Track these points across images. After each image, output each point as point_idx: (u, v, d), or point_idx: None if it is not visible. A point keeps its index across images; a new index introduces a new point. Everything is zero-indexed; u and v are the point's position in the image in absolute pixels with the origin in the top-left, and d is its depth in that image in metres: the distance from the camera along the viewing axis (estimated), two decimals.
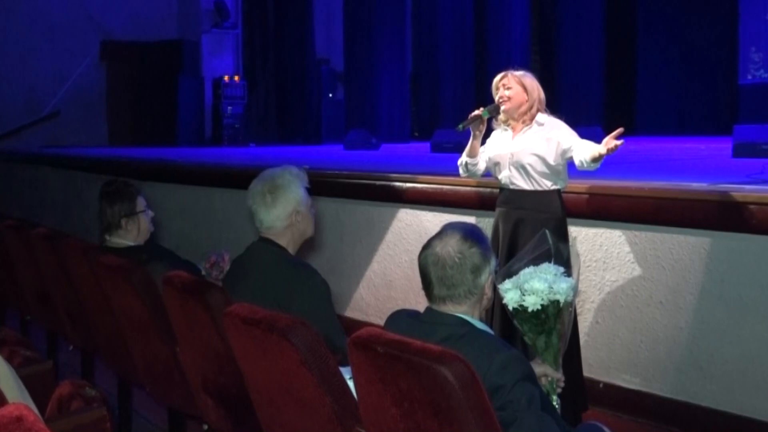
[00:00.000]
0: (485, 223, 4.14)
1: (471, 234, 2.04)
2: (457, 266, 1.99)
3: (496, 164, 3.49)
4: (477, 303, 2.04)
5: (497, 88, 3.47)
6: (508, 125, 3.49)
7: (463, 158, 3.57)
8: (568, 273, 3.18)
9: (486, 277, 2.02)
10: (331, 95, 13.17)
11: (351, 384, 1.98)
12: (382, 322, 2.22)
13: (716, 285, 3.33)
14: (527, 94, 3.42)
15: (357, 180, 5.03)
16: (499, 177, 3.48)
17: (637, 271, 3.57)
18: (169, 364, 2.74)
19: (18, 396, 1.74)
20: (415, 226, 4.57)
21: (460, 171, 3.63)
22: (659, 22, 11.38)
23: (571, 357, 3.34)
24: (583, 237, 3.77)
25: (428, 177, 4.59)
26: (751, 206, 3.19)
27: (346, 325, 3.22)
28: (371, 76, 11.55)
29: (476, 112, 3.46)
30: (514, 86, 3.42)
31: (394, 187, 4.71)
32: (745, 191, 3.32)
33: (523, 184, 3.40)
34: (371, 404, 1.85)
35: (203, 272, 3.42)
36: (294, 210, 2.73)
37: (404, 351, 1.73)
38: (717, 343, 3.34)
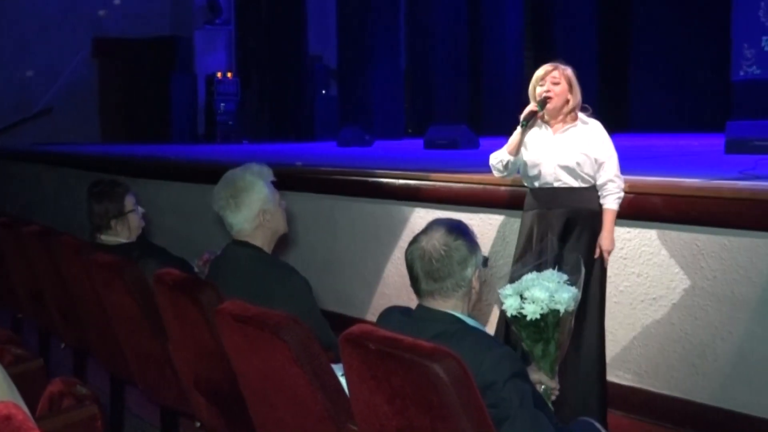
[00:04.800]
0: (478, 219, 4.14)
1: (456, 228, 2.05)
2: (443, 259, 1.99)
3: (537, 163, 3.35)
4: (465, 297, 2.04)
5: (542, 81, 3.34)
6: (544, 121, 3.39)
7: (503, 156, 3.40)
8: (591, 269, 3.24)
9: (473, 270, 2.03)
10: (324, 92, 13.15)
11: (343, 381, 1.98)
12: (375, 319, 2.22)
13: (709, 281, 3.33)
14: (572, 93, 3.34)
15: (350, 177, 5.02)
16: (542, 175, 3.35)
17: (630, 267, 3.58)
18: (161, 362, 2.73)
19: (7, 394, 1.72)
20: (408, 223, 4.56)
21: (495, 172, 3.47)
22: (652, 18, 11.38)
23: (597, 358, 3.34)
24: None
25: (421, 174, 4.58)
26: (744, 202, 3.20)
27: (339, 322, 3.21)
28: (365, 73, 11.53)
29: (532, 107, 3.31)
30: (562, 82, 3.32)
31: (387, 184, 4.70)
32: (738, 187, 3.33)
33: (571, 181, 3.32)
34: (363, 401, 1.85)
35: (196, 270, 3.41)
36: (260, 210, 2.68)
37: (396, 348, 1.73)
38: (709, 340, 3.35)
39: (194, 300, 2.37)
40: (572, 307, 2.32)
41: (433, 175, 4.49)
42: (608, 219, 3.33)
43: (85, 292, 3.17)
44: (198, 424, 2.79)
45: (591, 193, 3.35)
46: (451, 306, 2.02)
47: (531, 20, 12.86)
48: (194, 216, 6.22)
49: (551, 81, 3.31)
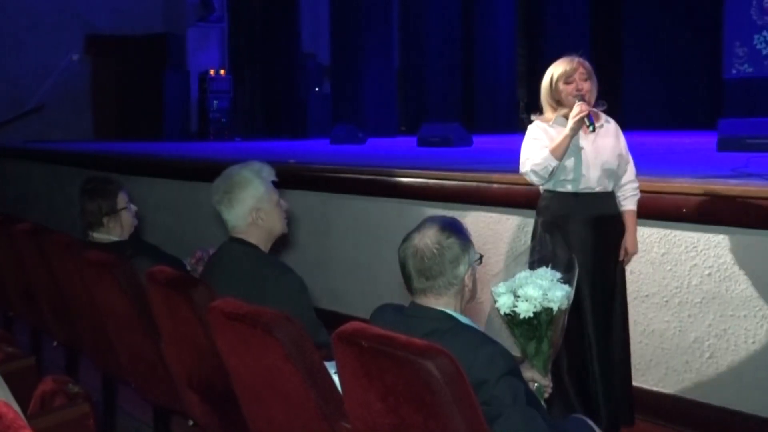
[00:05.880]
0: (471, 217, 4.14)
1: (449, 225, 2.04)
2: (435, 257, 1.98)
3: (580, 167, 3.11)
4: (458, 294, 2.03)
5: (570, 78, 3.12)
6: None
7: (550, 162, 3.06)
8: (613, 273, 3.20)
9: (465, 268, 2.01)
10: (317, 89, 13.14)
11: (336, 379, 1.97)
12: (368, 317, 2.21)
13: (701, 279, 3.34)
14: (593, 88, 3.15)
15: (343, 174, 5.01)
16: (587, 179, 3.13)
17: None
18: (154, 360, 2.72)
19: None
20: (401, 220, 4.56)
21: (537, 179, 3.16)
22: (644, 17, 11.42)
23: (619, 362, 3.25)
24: None
25: (414, 171, 4.58)
26: (736, 200, 3.21)
27: (331, 319, 3.20)
28: (358, 71, 11.54)
29: (584, 107, 3.03)
30: (588, 78, 3.13)
31: (380, 182, 4.70)
32: (730, 185, 3.34)
33: (608, 185, 3.17)
34: (356, 399, 1.85)
35: (188, 268, 3.41)
36: (254, 207, 2.66)
37: (389, 345, 1.73)
38: (702, 337, 3.35)
39: (187, 298, 2.36)
40: (565, 305, 2.32)
41: (426, 173, 4.49)
42: (632, 221, 3.24)
43: (77, 290, 3.16)
44: (191, 423, 2.78)
45: (613, 196, 3.24)
46: (444, 304, 2.02)
47: (523, 18, 12.89)
48: (187, 214, 6.21)
49: (580, 78, 3.12)
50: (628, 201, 3.24)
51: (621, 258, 3.25)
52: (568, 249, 3.08)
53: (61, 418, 1.81)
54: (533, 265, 2.44)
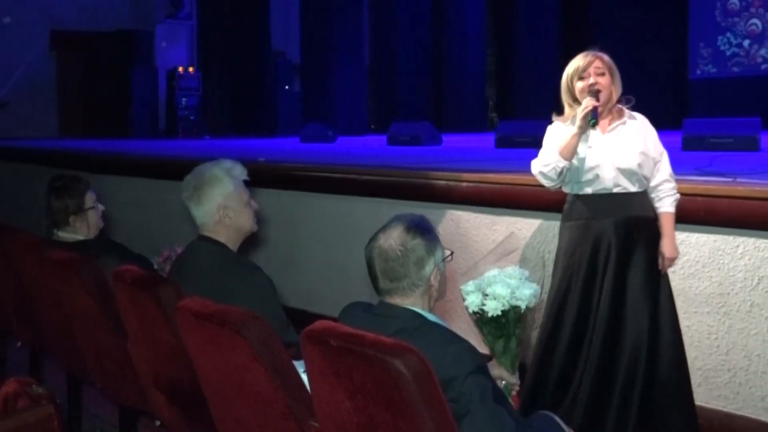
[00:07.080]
0: (441, 215, 4.16)
1: (415, 226, 2.02)
2: (399, 259, 1.97)
3: (593, 167, 2.96)
4: (425, 295, 2.03)
5: (584, 72, 2.99)
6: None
7: (558, 163, 2.92)
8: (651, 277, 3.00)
9: (431, 269, 2.01)
10: (287, 87, 13.09)
11: (305, 378, 1.97)
12: (338, 315, 2.21)
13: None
14: (615, 83, 3.01)
15: (313, 173, 5.00)
16: (600, 180, 2.96)
17: None
18: (120, 360, 2.69)
19: None
20: (370, 219, 4.56)
21: (546, 181, 2.99)
22: (612, 18, 11.56)
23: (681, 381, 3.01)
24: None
25: (384, 170, 4.59)
26: (699, 199, 3.26)
27: (302, 318, 3.19)
28: (328, 68, 11.53)
29: (591, 102, 2.91)
30: (606, 72, 2.99)
31: (350, 180, 4.70)
32: (694, 183, 3.39)
33: (630, 186, 2.96)
34: (325, 398, 1.84)
35: (156, 266, 3.38)
36: (222, 205, 2.64)
37: (357, 344, 1.73)
38: None
39: (154, 297, 2.34)
40: (533, 303, 2.35)
41: (396, 171, 4.49)
42: (669, 223, 3.01)
43: (41, 289, 3.11)
44: (158, 423, 2.76)
45: (645, 197, 3.02)
46: (411, 303, 2.02)
47: (493, 18, 12.97)
48: (155, 212, 6.15)
49: (595, 72, 2.98)
50: (664, 202, 3.03)
51: (660, 266, 3.01)
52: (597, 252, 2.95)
53: (24, 420, 1.78)
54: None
